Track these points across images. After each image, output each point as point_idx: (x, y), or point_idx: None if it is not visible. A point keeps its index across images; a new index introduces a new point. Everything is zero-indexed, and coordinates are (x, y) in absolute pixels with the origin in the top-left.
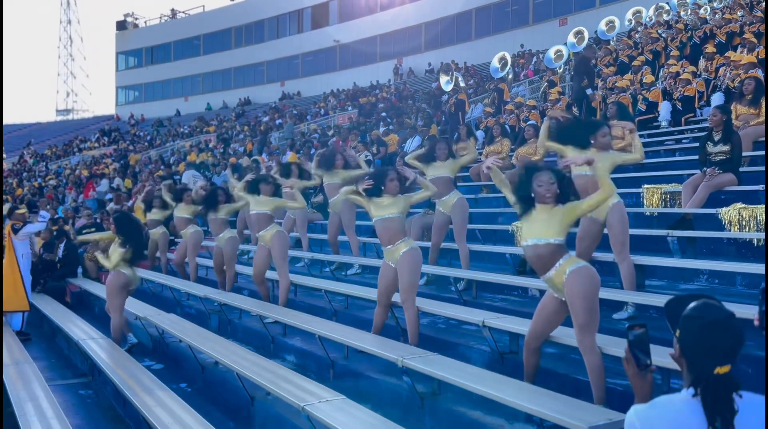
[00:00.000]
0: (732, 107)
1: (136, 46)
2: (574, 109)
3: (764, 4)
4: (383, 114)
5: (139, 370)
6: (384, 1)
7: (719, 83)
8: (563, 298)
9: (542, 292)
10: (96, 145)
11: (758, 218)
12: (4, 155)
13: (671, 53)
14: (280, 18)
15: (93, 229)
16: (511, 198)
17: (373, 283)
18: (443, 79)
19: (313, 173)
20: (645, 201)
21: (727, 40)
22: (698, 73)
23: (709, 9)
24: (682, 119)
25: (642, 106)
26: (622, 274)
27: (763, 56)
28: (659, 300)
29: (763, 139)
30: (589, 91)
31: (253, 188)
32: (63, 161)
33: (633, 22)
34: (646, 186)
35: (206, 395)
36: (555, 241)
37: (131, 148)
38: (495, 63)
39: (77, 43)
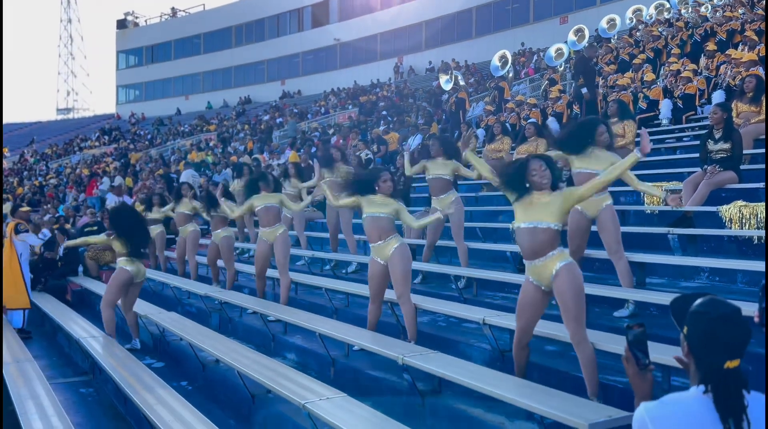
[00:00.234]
0: (733, 105)
1: (136, 44)
2: (575, 107)
3: (765, 1)
4: (384, 112)
5: (139, 369)
6: (384, 0)
7: (720, 81)
8: (543, 288)
9: None
10: (96, 143)
11: (759, 216)
12: (8, 154)
13: (672, 51)
14: (281, 16)
15: (95, 228)
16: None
17: None
18: (443, 78)
19: (317, 177)
20: (646, 199)
21: (727, 37)
22: (699, 71)
23: (709, 7)
24: (683, 117)
25: (643, 104)
26: (618, 272)
27: (764, 54)
28: (660, 297)
29: (764, 136)
30: (583, 90)
31: (252, 188)
32: (64, 160)
33: (634, 20)
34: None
35: (207, 393)
36: (555, 226)
37: (132, 146)
38: (495, 61)
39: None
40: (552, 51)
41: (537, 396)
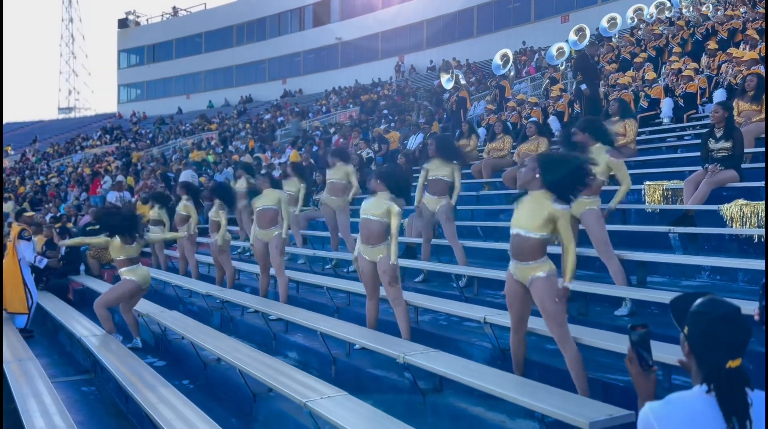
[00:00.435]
0: (734, 104)
1: (137, 43)
2: (576, 106)
3: (765, 1)
4: (385, 111)
5: (141, 367)
6: None
7: (721, 80)
8: (524, 284)
9: None
10: (98, 143)
11: (759, 215)
12: (12, 152)
13: (673, 50)
14: (282, 15)
15: (97, 227)
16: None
17: None
18: (444, 77)
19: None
20: (647, 198)
21: (729, 36)
22: (700, 69)
23: (711, 6)
24: (684, 116)
25: (644, 103)
26: (611, 273)
27: (765, 52)
28: (661, 296)
29: (765, 135)
30: (583, 87)
31: (252, 194)
32: (65, 159)
33: (635, 19)
34: (647, 183)
35: (208, 392)
36: (538, 236)
37: (133, 145)
38: (497, 60)
39: (79, 41)
40: (553, 50)
41: (538, 394)
